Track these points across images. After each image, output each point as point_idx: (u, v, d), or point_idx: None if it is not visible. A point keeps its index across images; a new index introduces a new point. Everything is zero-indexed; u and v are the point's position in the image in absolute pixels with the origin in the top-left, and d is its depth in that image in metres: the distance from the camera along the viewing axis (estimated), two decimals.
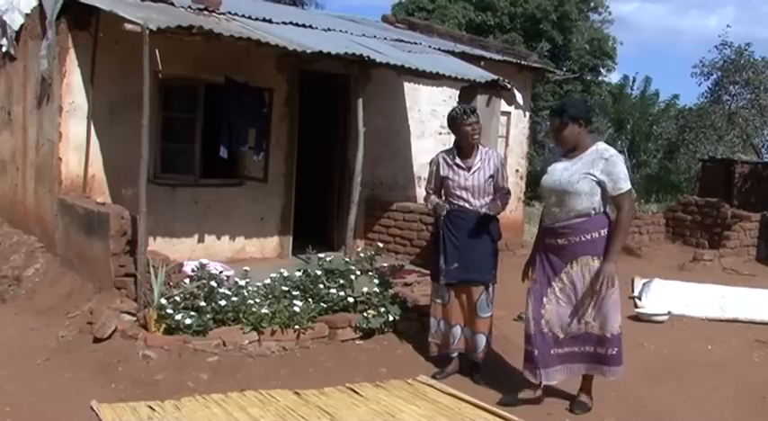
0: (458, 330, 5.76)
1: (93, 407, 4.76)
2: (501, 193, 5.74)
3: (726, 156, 21.07)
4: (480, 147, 5.73)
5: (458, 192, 5.66)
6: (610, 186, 4.96)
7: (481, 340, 5.70)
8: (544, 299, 5.13)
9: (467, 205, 5.63)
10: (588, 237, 4.99)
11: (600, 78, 28.77)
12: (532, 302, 5.16)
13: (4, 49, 9.18)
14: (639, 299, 8.84)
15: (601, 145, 5.12)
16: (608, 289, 4.98)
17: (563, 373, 5.23)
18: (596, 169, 4.96)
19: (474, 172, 5.62)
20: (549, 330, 5.13)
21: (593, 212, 4.99)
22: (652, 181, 24.91)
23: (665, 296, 8.73)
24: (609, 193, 4.99)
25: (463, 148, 5.70)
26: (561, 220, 5.04)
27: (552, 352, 5.15)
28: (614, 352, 5.12)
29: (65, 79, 7.76)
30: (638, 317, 8.09)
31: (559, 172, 5.07)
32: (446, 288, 5.72)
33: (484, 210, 5.57)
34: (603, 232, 4.99)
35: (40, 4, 8.17)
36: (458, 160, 5.68)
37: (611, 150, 5.06)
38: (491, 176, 5.65)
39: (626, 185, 4.98)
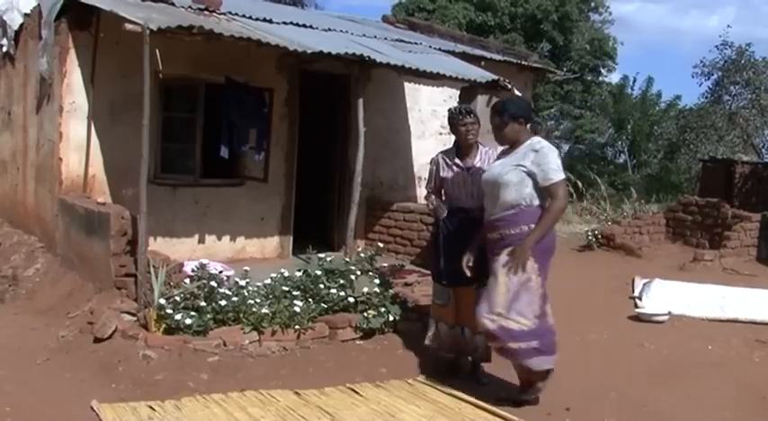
0: (458, 331, 5.75)
1: (94, 407, 4.76)
2: None
3: (726, 157, 21.05)
4: (480, 147, 5.71)
5: (456, 193, 5.65)
6: (540, 177, 4.99)
7: (481, 340, 5.66)
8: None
9: (466, 206, 5.62)
10: (518, 230, 5.01)
11: (600, 78, 28.80)
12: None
13: (4, 49, 9.19)
14: (640, 299, 8.84)
15: (535, 139, 5.17)
16: (518, 274, 4.97)
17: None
18: (527, 161, 5.02)
19: (473, 172, 5.60)
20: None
21: (523, 203, 5.01)
22: (652, 181, 24.91)
23: (666, 296, 8.73)
24: (540, 184, 5.00)
25: (462, 148, 5.69)
26: (494, 213, 5.12)
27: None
28: (544, 344, 5.11)
29: (65, 79, 7.76)
30: (638, 318, 8.08)
31: (495, 167, 5.20)
32: (446, 289, 5.70)
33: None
34: (534, 225, 5.00)
35: (40, 4, 8.17)
36: (457, 160, 5.67)
37: (544, 143, 5.12)
38: None
39: (557, 176, 4.99)
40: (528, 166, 5.01)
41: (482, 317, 5.04)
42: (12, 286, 7.64)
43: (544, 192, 5.04)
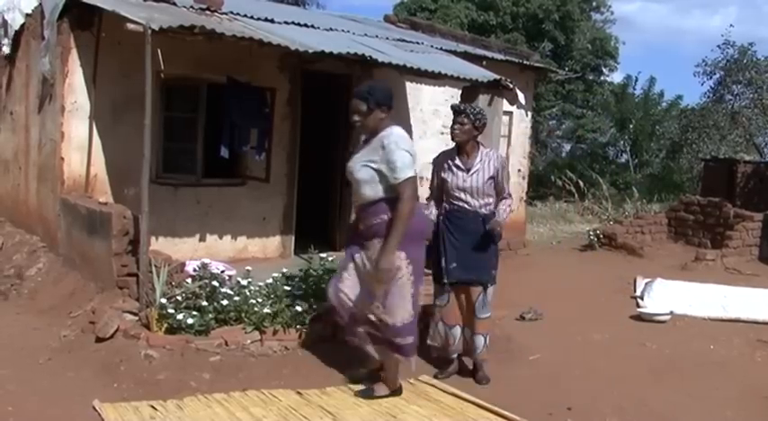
0: (457, 331, 5.75)
1: (96, 407, 4.77)
2: (501, 200, 5.68)
3: (728, 156, 21.06)
4: (481, 147, 5.69)
5: (456, 193, 5.63)
6: (388, 175, 4.88)
7: (480, 341, 5.69)
8: (344, 273, 5.17)
9: (466, 206, 5.61)
10: (379, 219, 4.94)
11: (602, 78, 28.79)
12: (338, 273, 5.28)
13: (5, 48, 9.19)
14: (642, 298, 8.85)
15: (387, 131, 4.97)
16: (389, 280, 4.94)
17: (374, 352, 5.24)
18: (376, 156, 4.91)
19: (473, 173, 5.58)
20: (348, 304, 5.14)
21: (380, 196, 4.94)
22: (654, 180, 24.92)
23: (668, 296, 8.74)
24: (389, 182, 4.89)
25: (461, 148, 5.67)
26: (357, 204, 5.14)
27: (355, 328, 5.20)
28: (405, 342, 5.11)
29: (67, 79, 7.76)
30: (640, 317, 8.09)
31: (353, 160, 5.12)
32: (445, 289, 5.70)
33: (488, 226, 5.54)
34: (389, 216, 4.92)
35: (41, 4, 8.17)
36: (457, 161, 5.65)
37: (393, 137, 4.91)
38: (491, 178, 5.59)
39: (403, 174, 4.83)
40: (377, 163, 4.90)
41: (366, 308, 5.05)
42: (14, 286, 7.64)
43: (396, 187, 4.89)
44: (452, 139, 5.67)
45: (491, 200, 5.63)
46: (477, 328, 5.68)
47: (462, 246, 5.58)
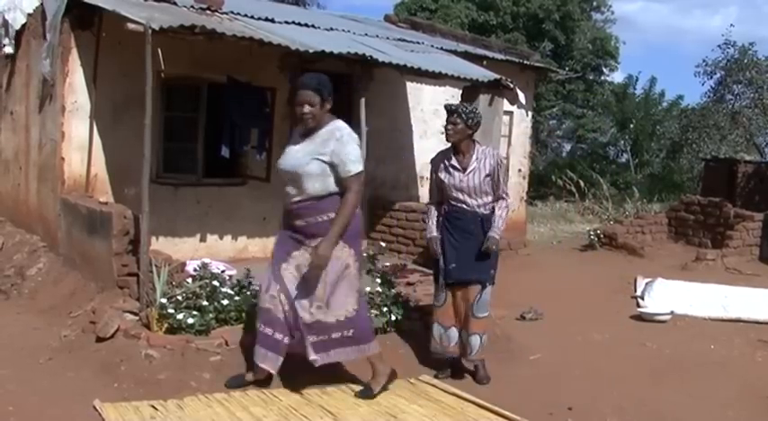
0: (453, 333, 5.72)
1: (96, 407, 4.76)
2: (497, 201, 5.62)
3: (729, 156, 21.06)
4: (477, 146, 5.65)
5: (454, 193, 5.61)
6: (340, 168, 4.80)
7: (475, 341, 5.65)
8: (280, 276, 4.97)
9: (464, 206, 5.58)
10: (324, 217, 4.85)
11: (602, 78, 28.80)
12: (269, 278, 5.02)
13: (6, 48, 9.18)
14: (642, 298, 8.85)
15: (334, 124, 4.92)
16: (334, 265, 4.85)
17: (324, 359, 5.06)
18: (327, 149, 4.79)
19: (469, 172, 5.55)
20: (282, 310, 4.96)
21: (326, 192, 4.84)
22: (655, 180, 24.92)
23: (668, 296, 8.73)
24: (339, 175, 4.82)
25: (456, 148, 5.63)
26: (297, 200, 4.91)
27: (287, 337, 5.00)
28: (359, 331, 5.06)
29: (67, 79, 7.76)
30: (640, 317, 8.10)
31: (293, 153, 4.95)
32: (444, 289, 5.68)
33: (486, 244, 5.50)
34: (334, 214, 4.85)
35: (43, 3, 8.17)
36: (453, 160, 5.62)
37: (345, 130, 4.89)
38: (488, 175, 5.55)
39: (355, 168, 4.82)
40: (328, 157, 4.79)
41: (301, 311, 4.91)
42: (14, 285, 7.64)
43: (343, 182, 4.85)
44: (446, 140, 5.66)
45: (489, 198, 5.59)
46: (472, 328, 5.63)
47: (461, 247, 5.57)
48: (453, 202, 5.62)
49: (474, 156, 5.58)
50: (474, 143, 5.65)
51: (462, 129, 5.54)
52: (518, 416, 4.93)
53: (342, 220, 4.81)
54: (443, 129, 5.70)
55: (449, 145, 5.72)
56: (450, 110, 5.61)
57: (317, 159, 4.80)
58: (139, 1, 7.73)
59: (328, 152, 4.80)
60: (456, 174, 5.59)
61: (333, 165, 4.81)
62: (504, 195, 5.66)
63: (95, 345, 5.72)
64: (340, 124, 4.93)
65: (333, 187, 4.85)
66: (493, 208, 5.60)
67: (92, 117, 7.85)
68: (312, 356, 4.99)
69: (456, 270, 5.60)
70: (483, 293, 5.61)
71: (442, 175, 5.66)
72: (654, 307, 8.36)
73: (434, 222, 5.76)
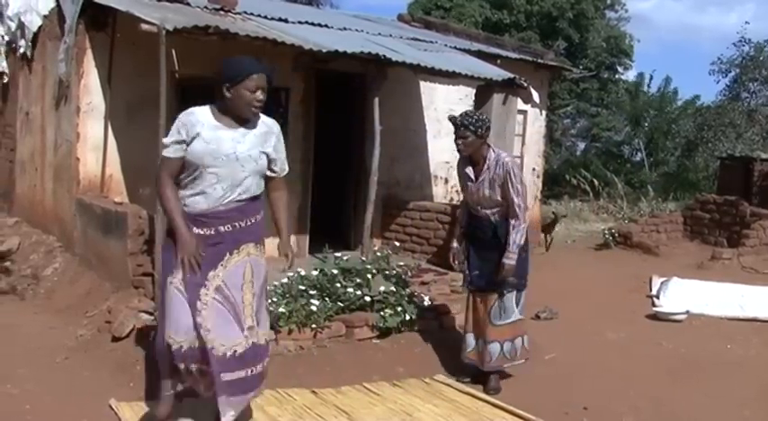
0: (470, 339, 5.65)
1: (112, 406, 4.78)
2: (510, 221, 5.31)
3: (745, 154, 20.92)
4: (491, 153, 5.38)
5: (471, 204, 5.55)
6: (278, 166, 4.43)
7: (495, 349, 5.51)
8: (198, 303, 4.02)
9: (479, 214, 5.49)
10: (255, 219, 4.27)
11: (617, 76, 28.68)
12: (177, 308, 4.03)
13: (22, 49, 9.24)
14: (657, 297, 8.81)
15: (264, 117, 4.34)
16: (261, 276, 4.26)
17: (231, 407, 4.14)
18: (269, 144, 4.29)
19: (479, 183, 5.40)
20: (205, 340, 4.03)
21: (260, 193, 4.35)
22: (669, 179, 24.80)
23: (684, 295, 8.68)
24: (275, 173, 4.43)
25: (471, 157, 5.46)
26: (227, 202, 4.13)
27: (218, 378, 4.06)
28: (264, 366, 4.28)
29: (82, 80, 7.80)
30: (656, 316, 8.06)
31: (230, 143, 4.10)
32: (469, 295, 5.66)
33: (498, 278, 5.32)
34: (263, 214, 4.36)
35: (58, 5, 8.22)
36: (468, 169, 5.50)
37: (277, 125, 4.42)
38: (499, 186, 5.31)
39: (287, 167, 4.53)
40: (270, 152, 4.29)
41: (235, 339, 4.08)
42: (31, 285, 7.69)
43: (272, 181, 4.44)
44: (459, 154, 5.49)
45: (503, 209, 5.36)
46: (489, 335, 5.49)
47: (481, 253, 5.50)
48: (472, 211, 5.57)
49: (485, 166, 5.37)
50: (489, 149, 5.41)
51: (473, 141, 5.32)
52: (533, 416, 4.92)
53: (287, 220, 4.64)
54: (454, 144, 5.45)
55: None
56: (456, 123, 5.36)
57: (264, 153, 4.26)
58: (153, 2, 7.76)
59: (271, 147, 4.30)
60: (470, 184, 5.49)
61: (271, 162, 4.34)
62: (517, 212, 5.29)
63: (111, 345, 5.75)
64: (266, 117, 4.38)
65: (262, 187, 4.37)
66: (506, 216, 5.35)
67: (107, 117, 7.88)
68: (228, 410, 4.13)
69: (477, 277, 5.55)
70: (504, 300, 5.47)
71: (463, 184, 5.62)
72: (669, 306, 8.32)
73: (459, 230, 5.75)
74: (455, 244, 5.75)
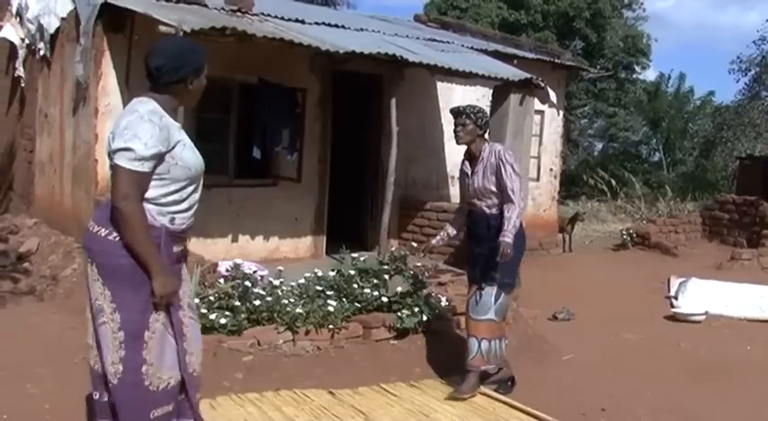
0: (472, 342, 5.35)
1: None
2: (505, 206, 5.15)
3: (764, 154, 20.78)
4: (486, 146, 5.34)
5: (468, 199, 5.47)
6: None
7: (472, 345, 5.29)
8: (183, 328, 3.55)
9: (476, 209, 5.39)
10: None
11: (634, 76, 28.54)
12: (165, 344, 3.46)
13: (41, 52, 9.31)
14: (676, 298, 8.76)
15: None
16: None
17: None
18: None
19: (474, 175, 5.34)
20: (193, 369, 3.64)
21: None
22: (688, 179, 24.66)
23: (703, 296, 8.63)
24: None
25: (468, 151, 5.45)
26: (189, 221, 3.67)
27: (195, 400, 3.73)
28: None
29: (100, 82, 7.85)
30: (674, 317, 8.02)
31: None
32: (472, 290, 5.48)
33: (499, 252, 5.00)
34: None
35: (76, 8, 8.27)
36: (465, 164, 5.47)
37: None
38: (492, 174, 5.22)
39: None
40: None
41: (195, 361, 3.66)
42: (50, 286, 7.74)
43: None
44: (457, 143, 5.45)
45: (497, 200, 5.24)
46: (469, 330, 5.35)
47: (477, 248, 5.39)
48: (470, 207, 5.47)
49: (480, 158, 5.34)
50: (485, 143, 5.39)
51: (473, 130, 5.32)
52: (550, 417, 4.89)
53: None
54: (453, 133, 5.45)
55: None
56: (457, 111, 5.41)
57: None
58: (171, 4, 7.79)
59: None
60: (466, 179, 5.44)
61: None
62: (511, 196, 5.14)
63: None
64: None
65: None
66: (500, 208, 5.21)
67: None
68: None
69: (470, 269, 5.48)
70: (483, 293, 5.27)
71: (461, 183, 5.57)
72: (688, 307, 8.27)
73: (445, 232, 5.68)
74: (434, 240, 5.70)
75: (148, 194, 3.37)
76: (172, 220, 3.46)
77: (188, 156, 3.53)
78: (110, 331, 3.35)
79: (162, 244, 3.38)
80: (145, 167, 3.30)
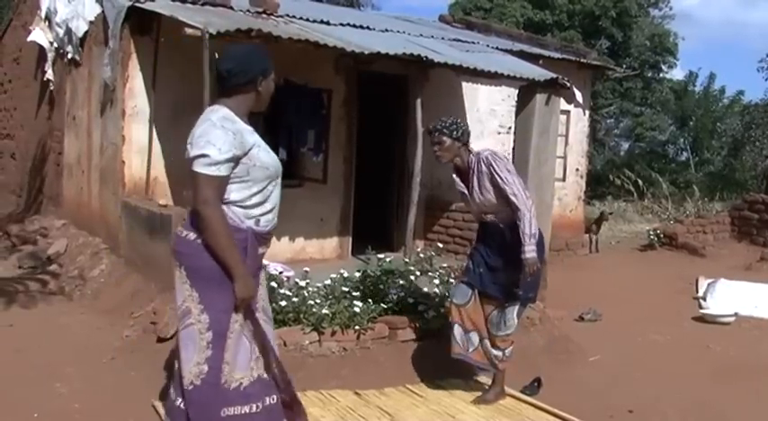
0: (474, 337, 5.28)
1: (155, 406, 4.83)
2: (517, 218, 4.86)
3: None
4: (472, 156, 5.07)
5: (475, 215, 5.30)
6: None
7: (497, 354, 5.23)
8: (259, 333, 3.68)
9: (486, 219, 5.17)
10: None
11: (661, 75, 28.33)
12: (241, 346, 3.60)
13: (69, 55, 9.40)
14: (704, 299, 8.68)
15: None
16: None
17: None
18: None
19: (471, 189, 5.10)
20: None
21: None
22: (715, 179, 24.44)
23: (732, 296, 8.55)
24: None
25: (455, 167, 5.19)
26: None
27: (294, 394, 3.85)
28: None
29: (127, 84, 7.91)
30: (703, 319, 7.95)
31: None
32: (466, 288, 5.26)
33: (525, 271, 4.83)
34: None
35: (104, 11, 8.34)
36: (458, 182, 5.22)
37: None
38: (490, 183, 4.97)
39: None
40: None
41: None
42: (78, 286, 7.82)
43: None
44: (439, 162, 5.18)
45: (507, 209, 4.98)
46: (494, 342, 5.23)
47: (490, 257, 5.15)
48: (482, 220, 5.25)
49: (470, 170, 5.06)
50: (469, 154, 5.10)
51: (451, 145, 5.02)
52: (577, 419, 4.88)
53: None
54: (433, 151, 5.12)
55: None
56: (428, 131, 5.15)
57: None
58: (197, 6, 7.84)
59: None
60: (464, 198, 5.23)
61: None
62: (516, 202, 4.87)
63: (156, 346, 5.82)
64: None
65: None
66: (513, 220, 4.92)
67: (151, 121, 7.98)
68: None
69: (481, 277, 5.19)
70: (506, 312, 5.14)
71: (462, 200, 5.35)
72: (717, 308, 8.20)
73: None
74: None
75: (234, 197, 3.50)
76: (257, 222, 3.58)
77: (264, 156, 3.58)
78: (197, 332, 3.51)
79: (248, 246, 3.53)
80: (221, 171, 3.41)
